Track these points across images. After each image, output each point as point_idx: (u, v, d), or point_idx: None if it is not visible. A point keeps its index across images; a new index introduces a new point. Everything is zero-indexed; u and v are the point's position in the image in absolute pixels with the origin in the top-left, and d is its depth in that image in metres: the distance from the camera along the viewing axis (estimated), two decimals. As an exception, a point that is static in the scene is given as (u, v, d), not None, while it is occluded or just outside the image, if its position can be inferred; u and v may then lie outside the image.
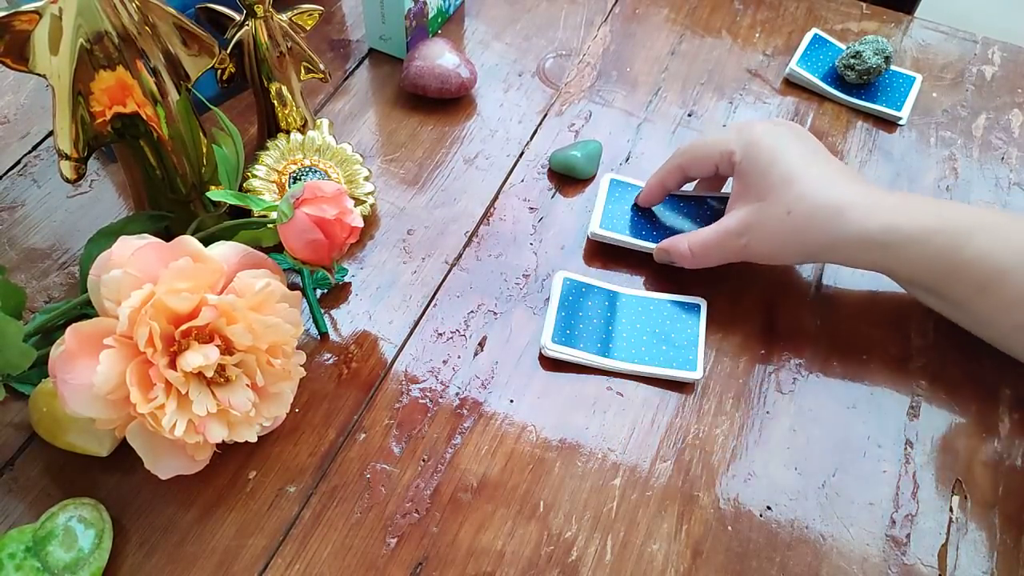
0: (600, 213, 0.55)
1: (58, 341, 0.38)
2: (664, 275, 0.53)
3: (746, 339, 0.51)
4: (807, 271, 0.54)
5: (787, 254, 0.48)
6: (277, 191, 0.53)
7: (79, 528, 0.41)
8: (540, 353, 0.50)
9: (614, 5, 0.70)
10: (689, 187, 0.58)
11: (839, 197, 0.45)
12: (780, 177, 0.46)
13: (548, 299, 0.52)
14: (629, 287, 0.52)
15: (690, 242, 0.50)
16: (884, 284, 0.52)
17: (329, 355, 0.49)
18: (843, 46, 0.66)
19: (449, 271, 0.53)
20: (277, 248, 0.47)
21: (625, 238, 0.54)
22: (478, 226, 0.56)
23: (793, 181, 0.46)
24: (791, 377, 0.49)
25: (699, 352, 0.49)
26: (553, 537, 0.43)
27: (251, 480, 0.44)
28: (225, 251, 0.42)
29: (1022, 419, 0.48)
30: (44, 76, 0.40)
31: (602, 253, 0.54)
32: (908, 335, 0.51)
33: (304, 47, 0.53)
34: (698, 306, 0.52)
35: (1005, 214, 0.47)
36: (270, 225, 0.45)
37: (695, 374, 0.48)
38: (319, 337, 0.50)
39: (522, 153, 0.60)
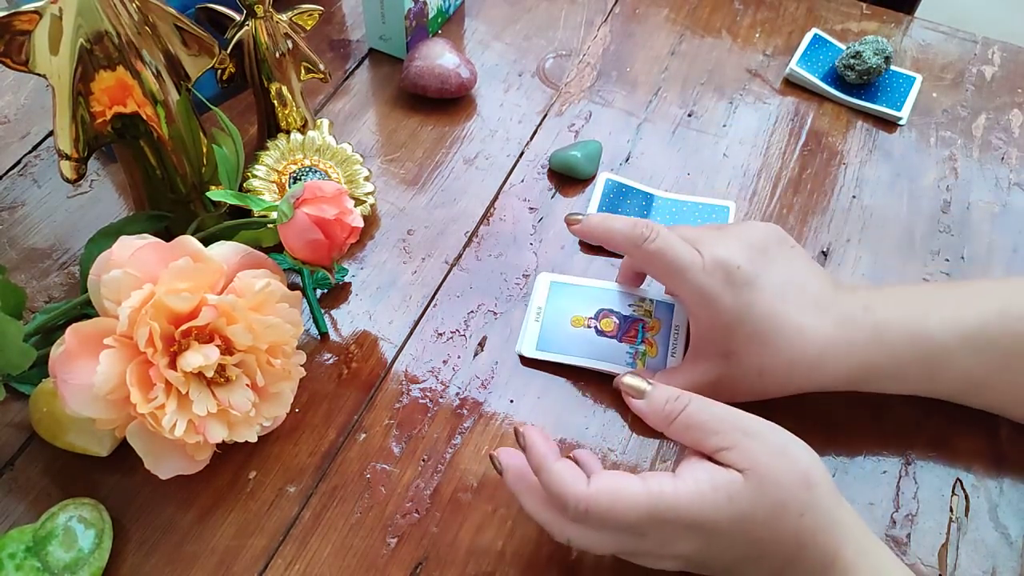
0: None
1: (58, 341, 0.38)
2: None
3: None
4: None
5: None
6: (277, 191, 0.53)
7: (79, 528, 0.41)
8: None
9: (614, 5, 0.70)
10: (686, 189, 0.58)
11: (815, 341, 0.41)
12: (747, 335, 0.41)
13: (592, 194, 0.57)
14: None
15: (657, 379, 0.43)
16: (884, 284, 0.52)
17: (329, 355, 0.49)
18: (843, 46, 0.66)
19: (449, 271, 0.53)
20: (277, 248, 0.47)
21: None
22: (478, 226, 0.56)
23: (764, 335, 0.41)
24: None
25: None
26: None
27: (251, 480, 0.44)
28: (225, 251, 0.42)
29: (1022, 419, 0.48)
30: (44, 76, 0.40)
31: (602, 248, 0.54)
32: (908, 335, 0.51)
33: (304, 47, 0.53)
34: (727, 208, 0.56)
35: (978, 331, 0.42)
36: (270, 225, 0.45)
37: None
38: (319, 337, 0.50)
39: (522, 153, 0.60)
